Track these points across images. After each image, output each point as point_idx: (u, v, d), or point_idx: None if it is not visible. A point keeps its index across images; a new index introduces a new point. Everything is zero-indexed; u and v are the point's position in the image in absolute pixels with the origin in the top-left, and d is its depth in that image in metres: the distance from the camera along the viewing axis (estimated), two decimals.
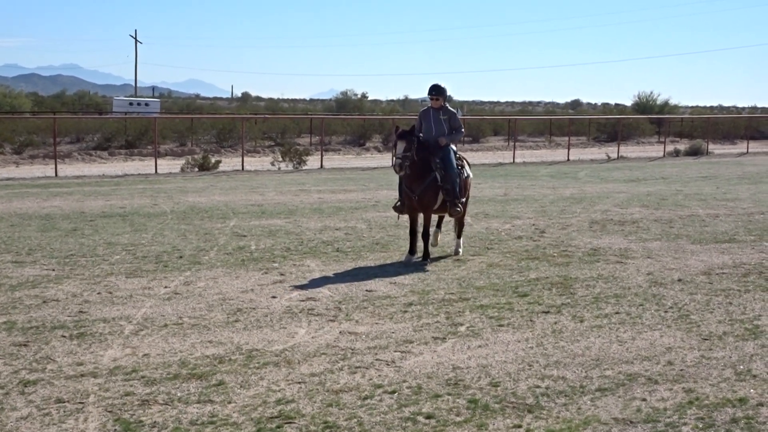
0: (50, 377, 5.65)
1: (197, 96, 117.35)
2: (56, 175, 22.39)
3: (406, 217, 10.36)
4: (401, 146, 9.64)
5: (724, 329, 7.06)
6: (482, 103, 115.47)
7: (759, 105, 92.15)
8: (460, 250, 10.47)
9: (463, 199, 10.29)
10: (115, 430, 4.79)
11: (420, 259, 9.95)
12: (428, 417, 5.02)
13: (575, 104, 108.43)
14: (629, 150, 37.13)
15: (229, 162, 27.29)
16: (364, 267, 9.62)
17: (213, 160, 25.39)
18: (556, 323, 7.19)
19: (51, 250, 10.45)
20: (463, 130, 10.49)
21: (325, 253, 10.44)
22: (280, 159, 26.52)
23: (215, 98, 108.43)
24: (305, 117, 44.61)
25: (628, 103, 62.78)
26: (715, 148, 38.74)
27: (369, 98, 65.45)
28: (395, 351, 6.35)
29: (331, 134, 39.28)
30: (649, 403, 5.31)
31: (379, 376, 5.77)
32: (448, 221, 11.21)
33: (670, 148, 36.33)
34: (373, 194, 17.67)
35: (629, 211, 14.95)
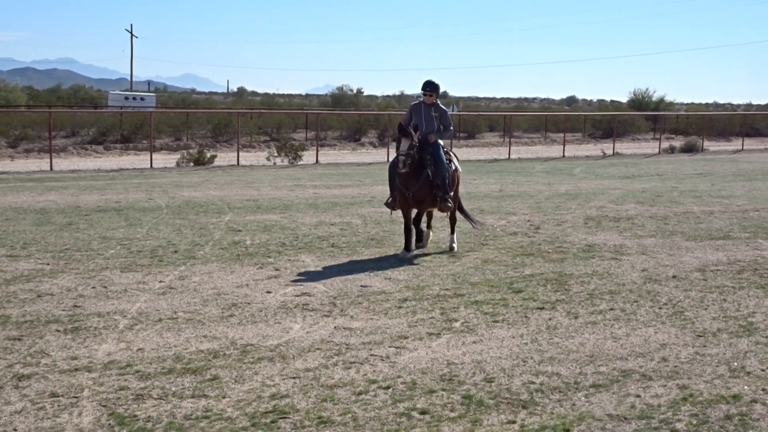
0: (44, 371, 5.64)
1: (193, 91, 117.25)
2: (51, 169, 22.34)
3: (400, 213, 10.36)
4: (405, 143, 9.63)
5: (718, 326, 7.08)
6: (478, 99, 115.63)
7: (754, 102, 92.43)
8: (455, 245, 10.48)
9: (452, 193, 10.28)
10: (110, 424, 4.79)
11: (417, 246, 10.12)
12: (423, 412, 5.03)
13: (571, 100, 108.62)
14: (624, 146, 37.18)
15: (224, 157, 27.23)
16: (359, 262, 9.62)
17: (208, 154, 25.34)
18: (550, 319, 7.20)
19: (46, 244, 10.43)
20: (451, 128, 10.52)
21: (320, 248, 10.44)
22: (276, 154, 26.48)
23: (211, 93, 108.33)
24: (301, 112, 44.54)
25: (624, 99, 62.86)
26: (710, 145, 38.79)
27: (365, 93, 65.42)
28: (390, 346, 6.35)
29: (326, 129, 39.29)
30: (643, 399, 5.32)
31: (374, 371, 5.77)
32: (442, 218, 11.21)
33: (665, 144, 36.34)
34: (369, 190, 17.66)
35: (624, 207, 14.96)
